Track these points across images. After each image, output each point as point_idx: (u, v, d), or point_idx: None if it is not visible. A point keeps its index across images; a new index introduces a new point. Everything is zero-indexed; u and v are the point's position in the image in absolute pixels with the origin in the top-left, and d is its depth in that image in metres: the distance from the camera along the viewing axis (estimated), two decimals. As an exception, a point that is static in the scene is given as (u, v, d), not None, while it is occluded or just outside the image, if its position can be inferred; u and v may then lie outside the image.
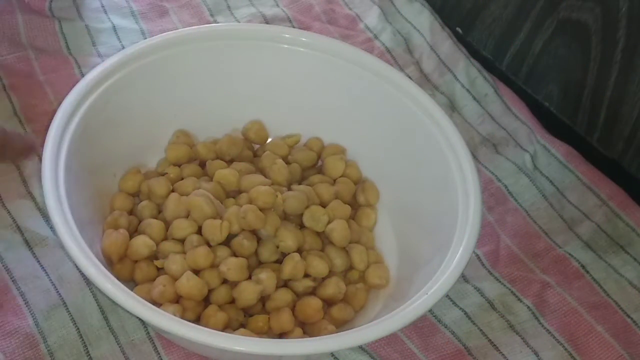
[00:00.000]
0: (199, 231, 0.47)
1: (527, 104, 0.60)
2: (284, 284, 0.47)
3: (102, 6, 0.62)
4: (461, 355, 0.48)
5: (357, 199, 0.52)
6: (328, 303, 0.47)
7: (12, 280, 0.47)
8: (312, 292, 0.47)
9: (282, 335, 0.45)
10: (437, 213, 0.48)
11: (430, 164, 0.49)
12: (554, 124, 0.60)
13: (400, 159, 0.51)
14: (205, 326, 0.43)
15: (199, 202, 0.47)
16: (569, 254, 0.52)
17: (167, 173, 0.51)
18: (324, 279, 0.47)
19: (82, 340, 0.45)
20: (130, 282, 0.46)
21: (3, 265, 0.47)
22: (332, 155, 0.53)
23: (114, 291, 0.40)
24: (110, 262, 0.46)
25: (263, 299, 0.46)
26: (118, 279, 0.41)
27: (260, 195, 0.47)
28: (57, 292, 0.47)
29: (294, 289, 0.47)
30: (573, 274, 0.52)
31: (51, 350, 0.45)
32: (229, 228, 0.46)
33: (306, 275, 0.47)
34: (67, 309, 0.46)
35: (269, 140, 0.54)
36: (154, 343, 0.46)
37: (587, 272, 0.52)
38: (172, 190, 0.49)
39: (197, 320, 0.45)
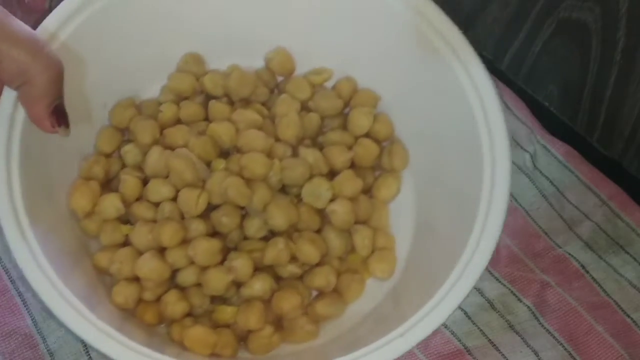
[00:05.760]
0: (177, 196, 0.42)
1: (527, 104, 0.60)
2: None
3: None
4: (461, 355, 0.48)
5: (382, 163, 0.46)
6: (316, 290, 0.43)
7: (10, 281, 0.47)
8: (300, 277, 0.43)
9: (249, 332, 0.42)
10: (463, 195, 0.42)
11: (460, 134, 0.44)
12: (554, 124, 0.60)
13: (432, 123, 0.45)
14: (162, 314, 0.40)
15: (179, 167, 0.42)
16: (569, 254, 0.52)
17: (161, 111, 0.46)
18: (315, 264, 0.43)
19: (82, 340, 0.45)
20: (99, 239, 0.43)
21: (1, 266, 0.47)
22: (360, 106, 0.46)
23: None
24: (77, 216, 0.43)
25: (238, 283, 0.42)
26: (85, 234, 0.39)
27: (252, 164, 0.42)
28: (56, 292, 0.47)
29: (278, 273, 0.43)
30: (573, 274, 0.52)
31: (51, 351, 0.45)
32: (207, 201, 0.42)
33: (295, 259, 0.43)
34: (66, 309, 0.46)
35: (294, 74, 0.47)
36: (153, 343, 0.46)
37: (587, 272, 0.52)
38: (161, 134, 0.45)
39: (157, 301, 0.42)
